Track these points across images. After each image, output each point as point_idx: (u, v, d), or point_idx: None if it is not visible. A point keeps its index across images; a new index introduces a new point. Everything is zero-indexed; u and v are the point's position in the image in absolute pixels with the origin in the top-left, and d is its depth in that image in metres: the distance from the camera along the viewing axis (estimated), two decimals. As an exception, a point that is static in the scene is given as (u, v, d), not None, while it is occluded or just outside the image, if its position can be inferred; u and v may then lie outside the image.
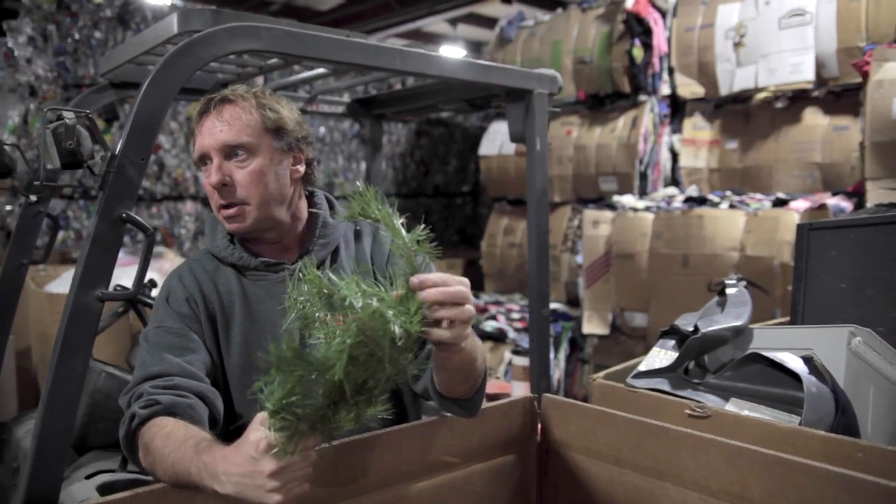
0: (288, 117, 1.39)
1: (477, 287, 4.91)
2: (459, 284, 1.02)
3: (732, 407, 1.35)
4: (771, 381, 1.35)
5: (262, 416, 0.91)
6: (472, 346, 1.12)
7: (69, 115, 1.20)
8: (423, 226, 1.00)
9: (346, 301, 0.88)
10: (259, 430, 0.90)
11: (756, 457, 1.06)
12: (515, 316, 4.29)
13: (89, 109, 1.28)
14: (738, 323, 1.53)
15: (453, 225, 6.56)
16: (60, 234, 4.36)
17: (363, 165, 5.57)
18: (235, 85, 1.42)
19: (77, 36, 4.22)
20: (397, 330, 0.86)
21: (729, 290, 1.67)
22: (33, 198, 1.84)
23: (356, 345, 0.83)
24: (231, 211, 1.35)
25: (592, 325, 3.94)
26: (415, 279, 0.97)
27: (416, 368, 1.32)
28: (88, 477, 1.50)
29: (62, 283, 3.11)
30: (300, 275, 0.97)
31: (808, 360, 1.33)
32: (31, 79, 4.18)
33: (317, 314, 0.93)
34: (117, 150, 1.24)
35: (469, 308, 1.03)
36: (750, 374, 1.38)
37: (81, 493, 1.44)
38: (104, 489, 1.40)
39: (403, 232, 0.98)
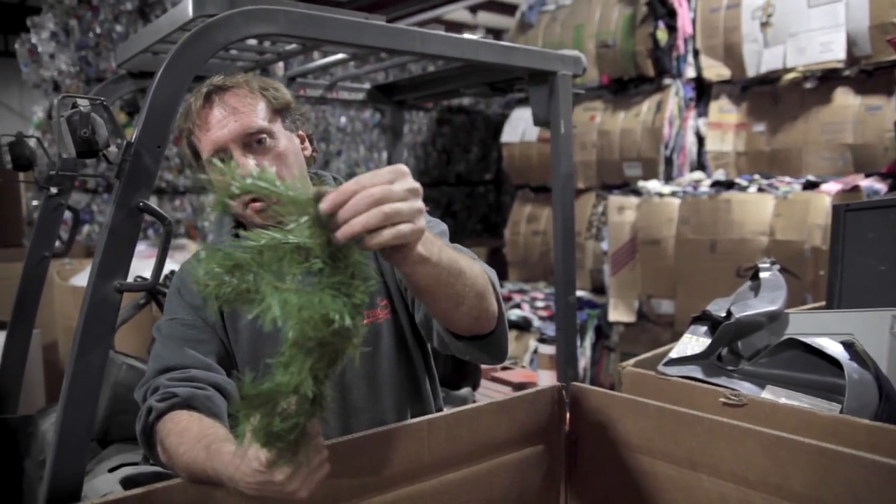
0: (287, 94, 1.35)
1: (501, 276, 4.85)
2: (375, 187, 0.79)
3: (769, 395, 1.30)
4: (809, 367, 1.30)
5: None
6: (439, 254, 0.93)
7: (83, 103, 1.18)
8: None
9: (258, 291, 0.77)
10: (254, 447, 0.83)
11: (797, 447, 1.01)
12: (540, 304, 4.25)
13: (107, 100, 1.25)
14: (774, 308, 1.47)
15: (476, 214, 6.52)
16: (85, 228, 4.39)
17: (385, 155, 5.54)
18: (219, 74, 1.35)
19: (98, 30, 4.24)
20: (346, 321, 0.73)
21: (763, 275, 1.62)
22: (53, 190, 1.84)
23: (308, 356, 0.76)
24: (263, 203, 1.24)
25: (618, 313, 3.89)
26: (325, 204, 0.77)
27: (421, 315, 1.25)
28: (111, 470, 1.49)
29: (86, 276, 3.12)
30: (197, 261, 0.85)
31: (848, 346, 1.27)
32: (54, 74, 4.20)
33: (240, 289, 0.79)
34: (133, 137, 1.22)
35: (403, 213, 0.80)
36: (787, 360, 1.33)
37: (105, 486, 1.44)
38: (127, 483, 1.39)
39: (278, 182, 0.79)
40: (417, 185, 0.85)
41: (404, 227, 0.81)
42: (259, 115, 1.28)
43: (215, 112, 1.28)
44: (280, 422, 0.77)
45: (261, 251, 0.78)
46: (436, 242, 0.93)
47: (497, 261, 5.15)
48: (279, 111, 1.32)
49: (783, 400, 1.27)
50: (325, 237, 0.78)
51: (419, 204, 0.83)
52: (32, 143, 1.84)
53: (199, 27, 1.28)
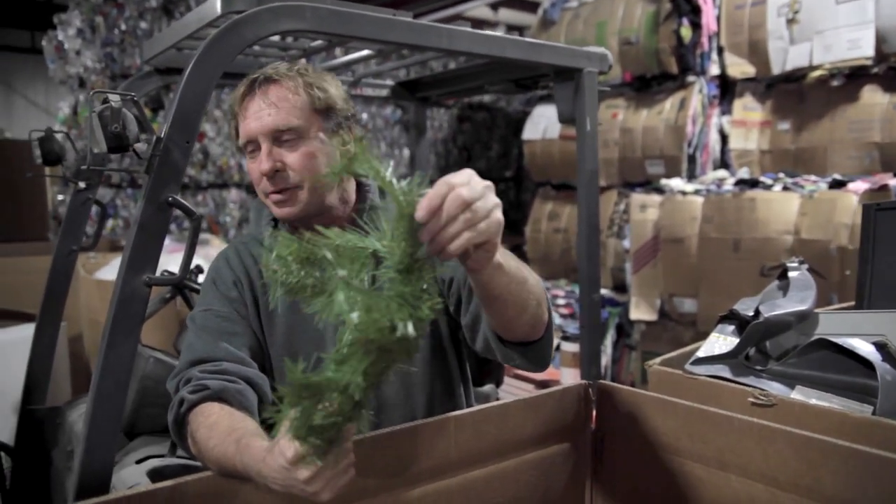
0: (336, 95, 1.34)
1: (521, 273, 4.85)
2: (462, 187, 0.80)
3: (798, 395, 1.29)
4: (840, 368, 1.28)
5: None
6: (508, 262, 0.97)
7: (115, 99, 1.19)
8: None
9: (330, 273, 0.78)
10: (286, 438, 0.83)
11: (830, 448, 1.00)
12: (561, 302, 4.24)
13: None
14: (803, 307, 1.46)
15: (496, 211, 6.51)
16: (109, 223, 4.43)
17: (406, 152, 5.55)
18: (274, 63, 1.38)
19: (123, 27, 4.28)
20: (410, 330, 0.74)
21: (791, 274, 1.60)
22: (82, 184, 1.86)
23: (366, 357, 0.76)
24: (282, 196, 1.30)
25: (640, 312, 3.87)
26: (421, 212, 0.78)
27: (469, 318, 1.26)
28: (139, 462, 1.51)
29: (112, 270, 3.16)
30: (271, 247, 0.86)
31: (880, 347, 1.26)
32: (80, 70, 4.24)
33: (305, 282, 0.82)
34: (163, 133, 1.23)
35: (481, 211, 0.82)
36: (817, 360, 1.32)
37: (132, 477, 1.45)
38: (154, 474, 1.40)
39: (395, 182, 0.81)
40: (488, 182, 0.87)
41: (487, 225, 0.83)
42: (295, 113, 1.28)
43: (255, 103, 1.30)
44: (321, 418, 0.77)
45: (337, 249, 0.80)
46: (505, 252, 0.95)
47: (517, 258, 5.13)
48: (321, 111, 1.31)
49: (814, 401, 1.25)
50: (407, 248, 0.80)
51: (496, 198, 0.86)
52: (61, 138, 1.86)
53: (228, 23, 1.29)
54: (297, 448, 0.82)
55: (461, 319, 1.32)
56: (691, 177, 4.07)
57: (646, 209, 3.84)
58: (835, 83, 3.63)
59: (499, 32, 7.66)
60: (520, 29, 7.84)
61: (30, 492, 1.89)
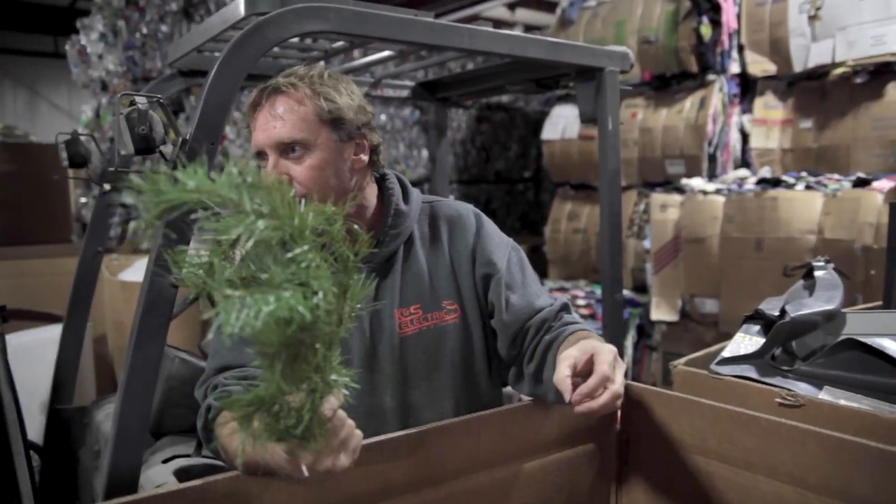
0: (346, 105, 1.31)
1: (541, 274, 4.84)
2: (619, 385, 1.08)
3: (827, 396, 1.28)
4: (869, 368, 1.27)
5: None
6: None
7: (142, 101, 1.20)
8: None
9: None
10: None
11: (861, 450, 0.98)
12: (581, 302, 4.22)
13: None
14: (830, 307, 1.44)
15: (515, 211, 6.50)
16: (131, 225, 4.47)
17: (424, 153, 5.55)
18: (291, 68, 1.38)
19: (145, 30, 4.32)
20: (307, 316, 0.68)
21: (817, 273, 1.58)
22: (107, 187, 1.88)
23: (277, 362, 0.72)
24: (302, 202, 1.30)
25: (661, 312, 3.84)
26: (576, 398, 1.05)
27: (533, 367, 1.34)
28: (165, 461, 1.52)
29: (135, 271, 3.19)
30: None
31: (911, 347, 1.24)
32: (102, 74, 4.29)
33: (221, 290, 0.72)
34: (188, 135, 1.24)
35: (615, 389, 1.07)
36: (845, 360, 1.30)
37: (159, 477, 1.46)
38: (180, 474, 1.41)
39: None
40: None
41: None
42: (300, 125, 1.28)
43: (263, 114, 1.30)
44: (284, 421, 0.76)
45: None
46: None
47: (537, 259, 5.12)
48: (329, 122, 1.30)
49: (842, 402, 1.24)
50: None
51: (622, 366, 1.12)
52: (86, 141, 1.88)
53: (252, 25, 1.30)
54: (285, 447, 0.83)
55: (501, 350, 1.41)
56: (712, 176, 4.04)
57: (666, 209, 3.81)
58: (858, 80, 3.59)
59: (517, 32, 7.66)
60: (537, 29, 7.82)
61: (58, 490, 1.91)
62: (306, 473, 0.85)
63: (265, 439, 0.78)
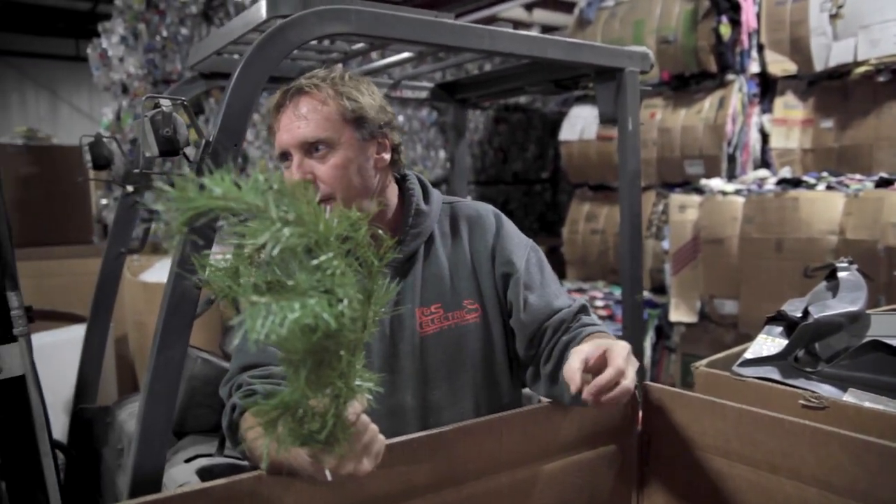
0: (369, 104, 1.33)
1: (559, 275, 4.83)
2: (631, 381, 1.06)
3: (851, 398, 1.27)
4: (894, 370, 1.25)
5: None
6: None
7: (166, 103, 1.21)
8: None
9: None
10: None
11: (888, 452, 0.97)
12: (599, 303, 4.21)
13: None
14: (854, 308, 1.43)
15: (532, 212, 6.49)
16: (153, 226, 4.51)
17: (441, 154, 5.56)
18: (312, 71, 1.39)
19: (165, 33, 4.35)
20: (332, 324, 0.68)
21: (841, 274, 1.57)
22: (129, 188, 1.90)
23: (301, 369, 0.73)
24: (327, 208, 1.30)
25: (680, 313, 3.82)
26: (587, 395, 1.04)
27: (551, 366, 1.34)
28: (188, 461, 1.53)
29: (155, 272, 3.21)
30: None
31: (937, 349, 1.23)
32: (123, 76, 4.34)
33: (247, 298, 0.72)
34: (211, 137, 1.25)
35: (626, 385, 1.06)
36: (870, 362, 1.29)
37: (181, 476, 1.47)
38: (203, 473, 1.42)
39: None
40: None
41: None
42: (324, 125, 1.29)
43: (287, 114, 1.32)
44: (308, 425, 0.77)
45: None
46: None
47: (554, 259, 5.11)
48: (352, 121, 1.31)
49: (867, 404, 1.23)
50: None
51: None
52: (109, 142, 1.91)
53: (274, 28, 1.31)
54: (308, 451, 0.84)
55: (519, 349, 1.42)
56: (731, 177, 4.01)
57: (685, 210, 3.79)
58: (881, 79, 3.55)
59: (534, 33, 7.65)
60: (554, 29, 7.81)
61: (82, 488, 1.93)
62: (330, 477, 0.85)
63: (289, 444, 0.78)
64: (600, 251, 4.68)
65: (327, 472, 0.85)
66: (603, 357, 1.09)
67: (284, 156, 1.33)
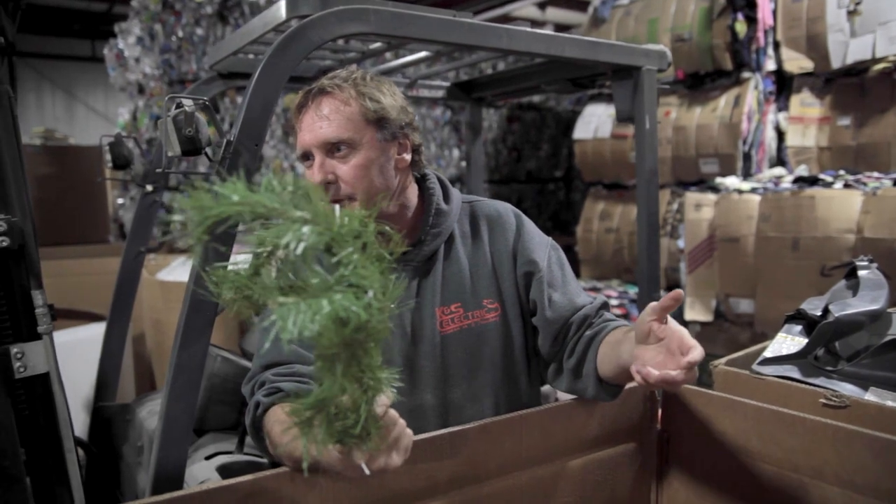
0: (390, 105, 1.34)
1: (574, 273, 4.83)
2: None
3: (873, 397, 1.26)
4: (917, 369, 1.25)
5: None
6: None
7: (188, 103, 1.22)
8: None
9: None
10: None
11: (912, 451, 0.97)
12: (614, 302, 4.20)
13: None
14: (875, 307, 1.42)
15: (546, 211, 6.48)
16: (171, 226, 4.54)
17: (455, 153, 5.56)
18: (334, 71, 1.40)
19: (180, 34, 4.38)
20: (362, 316, 0.69)
21: (861, 273, 1.56)
22: (149, 188, 1.91)
23: (337, 363, 0.74)
24: (336, 206, 1.31)
25: (695, 312, 3.80)
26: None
27: (574, 361, 1.33)
28: (208, 458, 1.54)
29: (172, 271, 3.24)
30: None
31: (960, 347, 1.22)
32: (139, 77, 4.36)
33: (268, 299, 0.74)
34: (232, 136, 1.26)
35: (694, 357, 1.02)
36: (891, 361, 1.28)
37: (202, 473, 1.49)
38: (223, 470, 1.44)
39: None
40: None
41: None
42: (346, 125, 1.30)
43: (309, 115, 1.32)
44: (341, 422, 0.78)
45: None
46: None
47: (569, 258, 5.09)
48: (373, 121, 1.32)
49: (889, 403, 1.22)
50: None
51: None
52: (127, 142, 1.92)
53: (294, 28, 1.32)
54: (339, 448, 0.84)
55: (541, 347, 1.41)
56: (747, 175, 3.99)
57: (700, 208, 3.77)
58: (899, 76, 3.53)
59: (549, 31, 7.63)
60: (567, 28, 7.79)
61: (102, 485, 1.95)
62: (367, 471, 0.86)
63: (326, 442, 0.79)
64: (615, 250, 4.67)
65: (364, 467, 0.86)
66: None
67: (306, 156, 1.34)
